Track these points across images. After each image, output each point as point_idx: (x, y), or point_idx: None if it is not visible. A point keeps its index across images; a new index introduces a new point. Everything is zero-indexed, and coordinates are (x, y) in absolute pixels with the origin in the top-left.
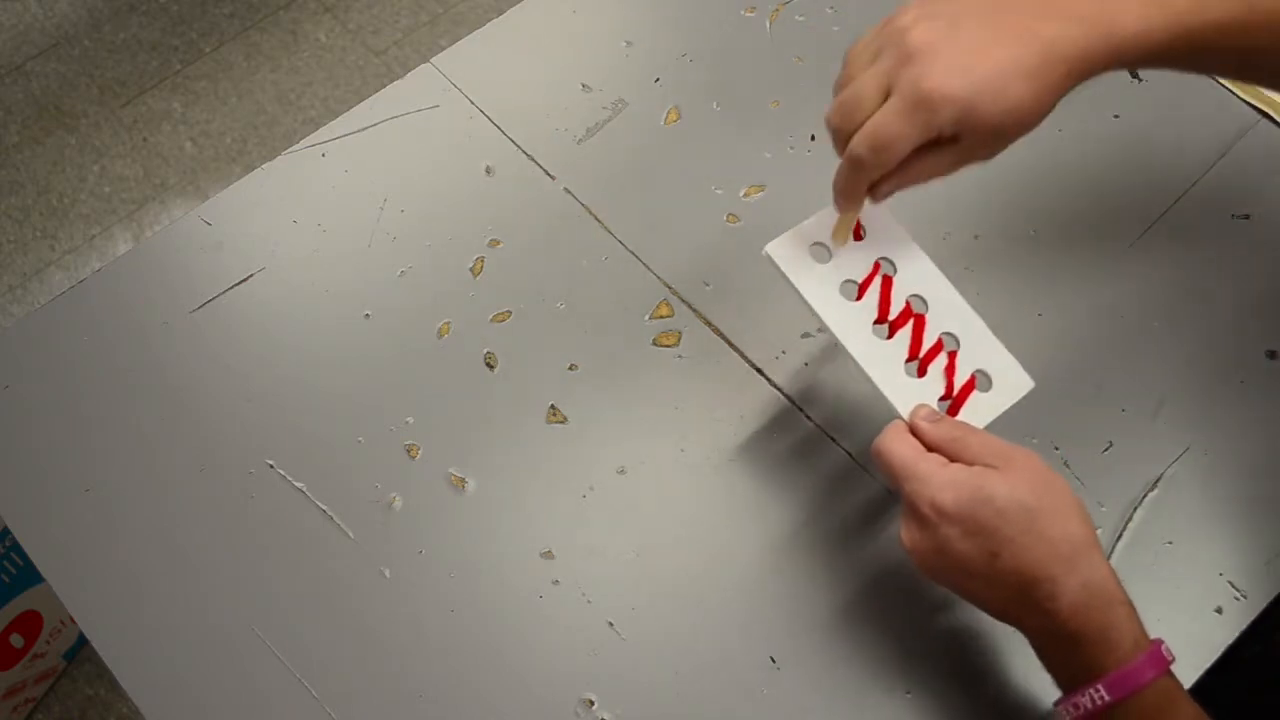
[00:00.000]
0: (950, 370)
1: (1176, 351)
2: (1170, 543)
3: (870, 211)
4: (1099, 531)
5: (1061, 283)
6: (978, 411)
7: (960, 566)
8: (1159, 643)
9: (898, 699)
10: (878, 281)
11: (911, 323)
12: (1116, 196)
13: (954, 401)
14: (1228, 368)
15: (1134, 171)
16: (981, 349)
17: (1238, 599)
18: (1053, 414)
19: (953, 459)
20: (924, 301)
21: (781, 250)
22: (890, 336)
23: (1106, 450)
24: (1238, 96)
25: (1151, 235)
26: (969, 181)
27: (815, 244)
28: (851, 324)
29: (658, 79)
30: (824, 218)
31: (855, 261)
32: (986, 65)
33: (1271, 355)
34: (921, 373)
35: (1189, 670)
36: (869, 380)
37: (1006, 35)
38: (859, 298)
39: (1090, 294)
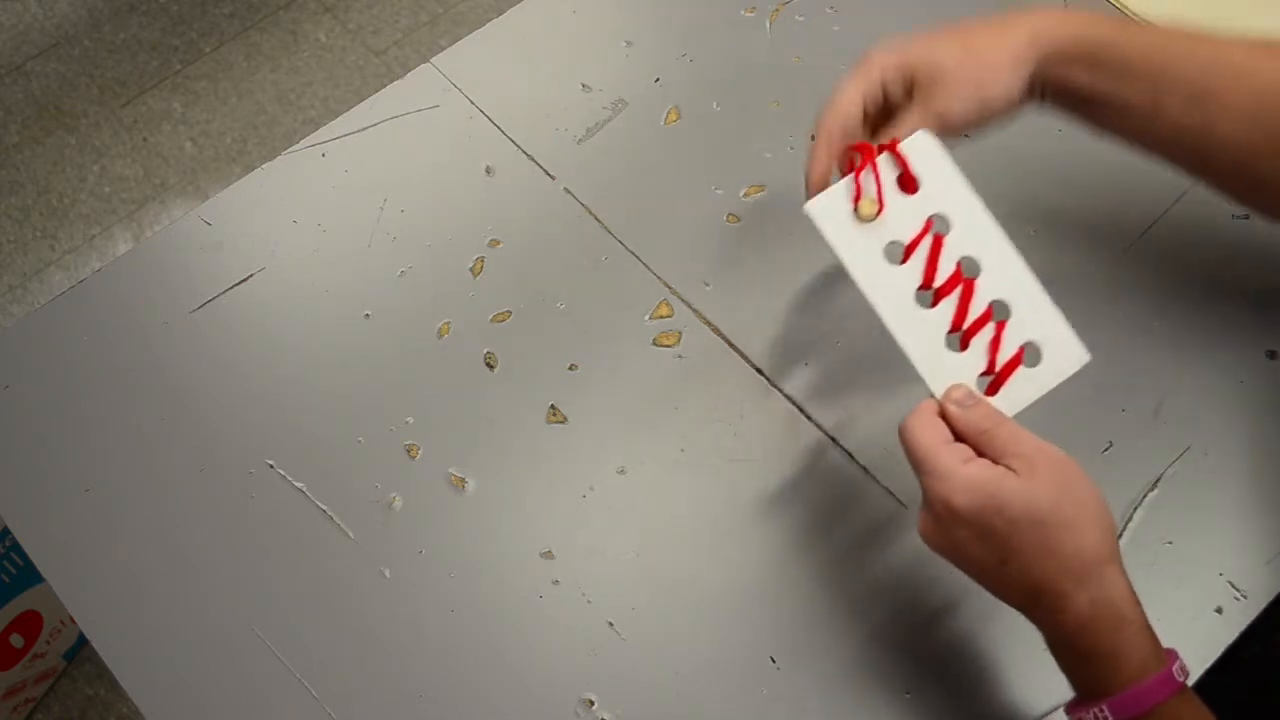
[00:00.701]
0: (995, 343)
1: (1176, 351)
2: (1170, 543)
3: (928, 161)
4: None
5: (1061, 283)
6: (1021, 390)
7: (970, 564)
8: (1171, 663)
9: (898, 699)
10: (927, 242)
11: (959, 290)
12: (1116, 196)
13: (995, 378)
14: (1228, 368)
15: (1134, 171)
16: (1035, 318)
17: (1238, 599)
18: (1053, 414)
19: (978, 452)
20: (977, 264)
21: (822, 208)
22: (934, 304)
23: (1106, 450)
24: None
25: (1151, 235)
26: (970, 181)
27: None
28: (891, 292)
29: (658, 79)
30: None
31: (905, 219)
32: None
33: (1271, 355)
34: (964, 345)
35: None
36: (904, 355)
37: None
38: (904, 260)
39: (1090, 294)
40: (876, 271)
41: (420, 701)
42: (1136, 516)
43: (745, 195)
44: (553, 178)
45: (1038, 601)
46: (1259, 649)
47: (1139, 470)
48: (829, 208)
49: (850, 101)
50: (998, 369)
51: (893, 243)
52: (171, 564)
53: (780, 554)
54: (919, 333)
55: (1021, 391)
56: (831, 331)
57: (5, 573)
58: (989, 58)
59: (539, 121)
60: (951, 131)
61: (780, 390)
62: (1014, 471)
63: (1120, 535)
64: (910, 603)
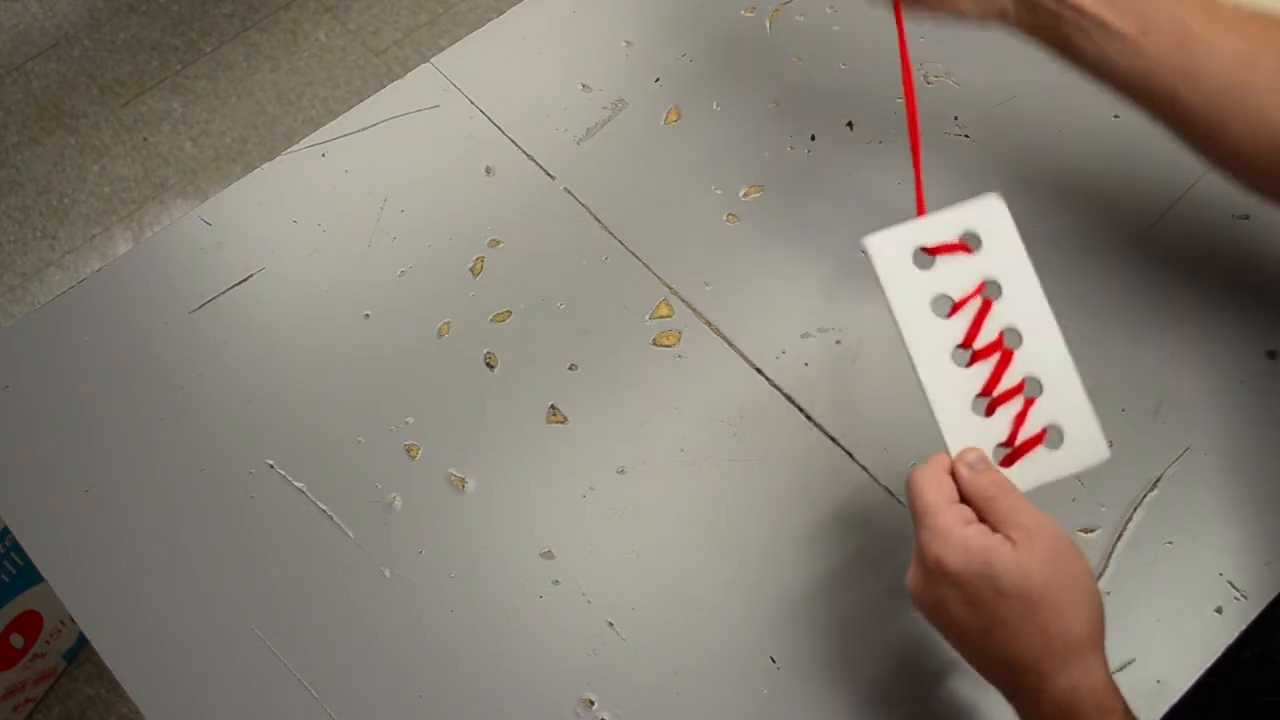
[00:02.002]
0: (1020, 418)
1: (1176, 351)
2: (1170, 543)
3: (993, 225)
4: (1098, 532)
5: (1062, 283)
6: (1035, 469)
7: (953, 627)
8: None
9: (898, 699)
10: (976, 303)
11: (997, 357)
12: (1116, 196)
13: (1013, 452)
14: (1228, 368)
15: (1134, 171)
16: (1064, 401)
17: (1238, 599)
18: None
19: (980, 516)
20: (1019, 336)
21: (881, 246)
22: (969, 365)
23: None
24: None
25: (1151, 235)
26: (969, 181)
27: (920, 249)
28: (930, 343)
29: (658, 79)
30: (939, 222)
31: (959, 275)
32: None
33: (1271, 355)
34: (990, 412)
35: (1189, 670)
36: (929, 408)
37: None
38: (950, 315)
39: (1090, 294)
40: (921, 319)
41: (420, 701)
42: (1136, 516)
43: (745, 195)
44: (553, 178)
45: (1016, 679)
46: (1259, 649)
47: (1139, 470)
48: (888, 245)
49: None
50: (1018, 443)
51: (941, 296)
52: (171, 564)
53: (780, 554)
54: (949, 388)
55: (1035, 471)
56: (832, 331)
57: (5, 573)
58: None
59: (539, 121)
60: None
61: (781, 391)
62: (1012, 542)
63: (1120, 535)
64: (910, 603)
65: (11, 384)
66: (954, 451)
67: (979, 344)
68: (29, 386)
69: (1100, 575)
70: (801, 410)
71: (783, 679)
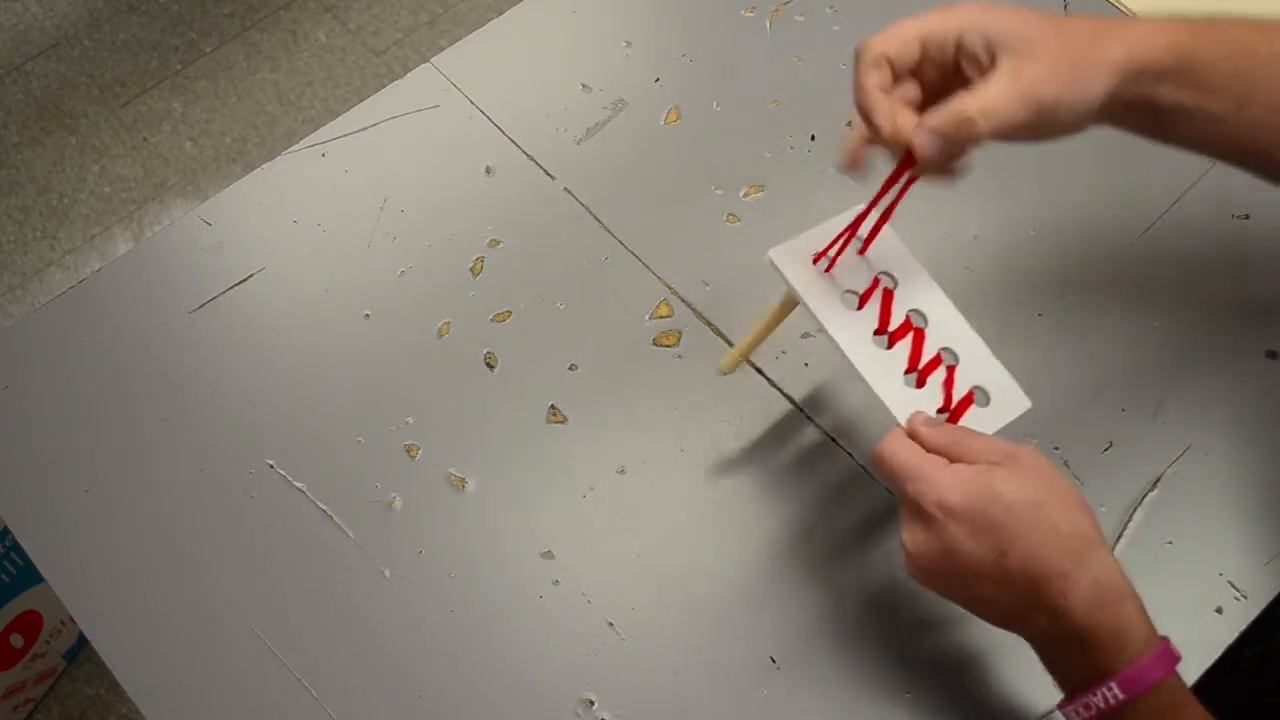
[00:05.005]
0: (949, 383)
1: (1176, 351)
2: (1170, 543)
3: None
4: None
5: (1061, 283)
6: (974, 426)
7: (966, 568)
8: (1167, 639)
9: (898, 700)
10: (878, 294)
11: (911, 335)
12: (1116, 196)
13: (952, 414)
14: (1228, 368)
15: (1134, 171)
16: (980, 366)
17: (1238, 599)
18: (1053, 414)
19: (954, 460)
20: (924, 317)
21: (785, 256)
22: (890, 347)
23: (1106, 450)
24: None
25: (1151, 235)
26: (969, 181)
27: (818, 254)
28: (852, 331)
29: (658, 79)
30: (828, 229)
31: (856, 274)
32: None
33: (1271, 355)
34: (920, 384)
35: (1189, 670)
36: (869, 388)
37: None
38: (860, 307)
39: (1090, 294)
40: (838, 314)
41: (420, 701)
42: (1136, 516)
43: (745, 195)
44: (553, 178)
45: (1040, 591)
46: (1259, 649)
47: (1139, 470)
48: (791, 254)
49: (908, 34)
50: (953, 405)
51: (848, 291)
52: (171, 564)
53: (780, 554)
54: (880, 369)
55: (976, 427)
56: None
57: (5, 573)
58: (1084, 52)
59: (539, 121)
60: (1034, 113)
61: (780, 390)
62: (998, 465)
63: (1120, 535)
64: (910, 602)
65: (11, 384)
66: (903, 421)
67: (892, 327)
68: (29, 386)
69: None
70: (801, 410)
71: (783, 679)
